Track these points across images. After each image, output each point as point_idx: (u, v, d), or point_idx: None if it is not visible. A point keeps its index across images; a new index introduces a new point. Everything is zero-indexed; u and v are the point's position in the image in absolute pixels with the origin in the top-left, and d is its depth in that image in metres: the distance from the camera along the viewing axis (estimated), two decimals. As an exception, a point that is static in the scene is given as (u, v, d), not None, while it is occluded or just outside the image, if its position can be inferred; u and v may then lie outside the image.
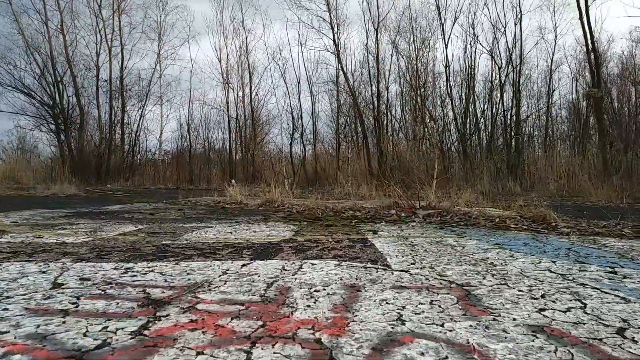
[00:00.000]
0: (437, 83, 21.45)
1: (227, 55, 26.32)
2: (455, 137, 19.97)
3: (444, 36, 19.98)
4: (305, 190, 19.67)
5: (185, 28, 35.47)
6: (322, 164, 23.45)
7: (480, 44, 19.94)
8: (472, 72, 19.69)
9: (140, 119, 25.63)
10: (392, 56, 21.48)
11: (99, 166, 23.97)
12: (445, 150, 19.75)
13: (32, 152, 24.64)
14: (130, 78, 25.56)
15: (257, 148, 26.03)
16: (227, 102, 26.14)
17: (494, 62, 18.92)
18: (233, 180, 25.72)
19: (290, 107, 23.99)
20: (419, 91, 20.40)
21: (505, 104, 18.44)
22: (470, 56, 19.80)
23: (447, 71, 19.85)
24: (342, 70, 21.22)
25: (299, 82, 23.45)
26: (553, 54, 18.81)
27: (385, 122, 21.44)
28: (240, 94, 26.18)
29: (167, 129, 39.14)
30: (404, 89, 22.02)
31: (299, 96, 23.57)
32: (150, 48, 27.58)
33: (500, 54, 17.95)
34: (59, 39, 23.38)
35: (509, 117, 18.13)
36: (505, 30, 17.79)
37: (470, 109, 19.88)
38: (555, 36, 18.41)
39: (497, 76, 18.71)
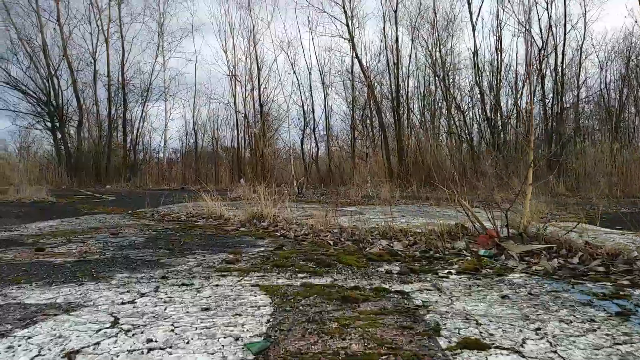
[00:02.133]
0: (462, 72, 18.55)
1: (234, 47, 23.71)
2: (485, 130, 17.08)
3: (472, 17, 17.09)
4: (317, 191, 17.01)
5: (189, 18, 32.87)
6: (336, 161, 20.72)
7: (515, 23, 16.99)
8: (501, 58, 16.78)
9: (142, 115, 23.14)
10: (412, 41, 18.63)
11: (98, 166, 21.56)
12: (475, 146, 16.88)
13: (25, 151, 22.29)
14: (131, 72, 23.12)
15: (267, 145, 23.39)
16: (235, 97, 23.54)
17: (530, 44, 15.98)
18: (242, 180, 23.10)
19: (302, 100, 21.32)
20: (444, 79, 17.53)
21: (544, 92, 15.54)
22: (500, 39, 16.87)
23: (476, 57, 16.96)
24: (357, 57, 18.45)
25: (310, 73, 20.79)
26: (583, 41, 15.78)
27: (405, 114, 18.63)
28: (249, 87, 23.55)
29: (172, 126, 36.65)
30: (426, 78, 19.15)
31: (311, 88, 20.91)
32: (152, 40, 25.11)
33: (541, 32, 15.05)
34: (54, 31, 21.00)
35: (549, 106, 15.25)
36: (548, 6, 14.85)
37: (502, 99, 16.98)
38: (585, 22, 15.36)
39: (535, 61, 15.80)
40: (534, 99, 15.99)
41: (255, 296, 2.20)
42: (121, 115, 22.57)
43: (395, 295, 2.24)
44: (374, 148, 19.62)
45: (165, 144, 24.31)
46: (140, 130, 23.22)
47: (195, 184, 23.69)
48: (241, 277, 2.61)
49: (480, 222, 3.56)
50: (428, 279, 2.64)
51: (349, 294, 2.17)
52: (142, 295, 2.22)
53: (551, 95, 15.06)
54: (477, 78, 17.15)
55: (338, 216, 5.59)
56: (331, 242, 3.77)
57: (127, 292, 2.28)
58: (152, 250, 3.52)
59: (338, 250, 3.49)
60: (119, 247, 3.66)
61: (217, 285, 2.43)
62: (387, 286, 2.42)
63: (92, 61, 21.72)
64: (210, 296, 2.20)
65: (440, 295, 2.25)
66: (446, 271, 2.82)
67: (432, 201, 10.98)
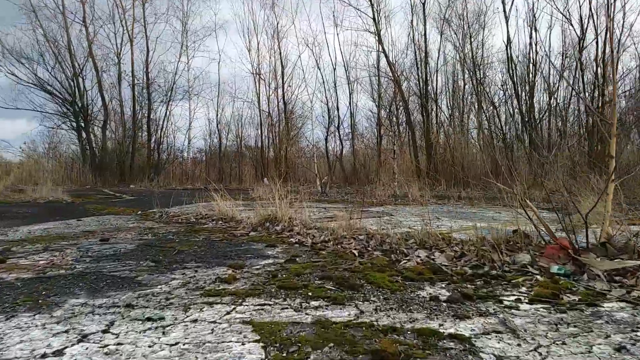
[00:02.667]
0: (494, 65, 17.49)
1: (258, 45, 23.14)
2: (520, 125, 15.99)
3: (504, 6, 16.02)
4: (341, 190, 16.25)
5: (212, 17, 32.43)
6: (361, 160, 19.90)
7: (553, 11, 15.83)
8: (535, 48, 15.68)
9: (166, 115, 22.78)
10: (441, 35, 17.67)
11: (122, 165, 21.28)
12: (508, 142, 15.82)
13: (52, 151, 22.17)
14: (155, 71, 22.78)
15: (290, 144, 22.74)
16: (259, 95, 22.95)
17: (570, 32, 14.84)
18: (265, 179, 22.54)
19: (326, 97, 20.56)
20: (475, 72, 16.52)
21: (584, 83, 14.37)
22: (534, 29, 15.77)
23: (509, 49, 15.90)
24: (384, 52, 17.58)
25: (334, 69, 19.99)
26: (621, 34, 14.48)
27: (434, 111, 17.68)
28: (273, 85, 22.94)
29: (195, 125, 36.35)
30: (455, 73, 18.15)
31: (335, 85, 20.11)
32: (176, 39, 24.77)
33: (581, 20, 13.89)
34: (79, 32, 20.81)
35: (589, 98, 14.08)
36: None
37: (538, 91, 15.88)
38: (624, 14, 14.05)
39: (575, 50, 14.65)
40: (582, 92, 14.86)
41: (243, 344, 1.47)
42: (145, 114, 22.26)
43: (451, 344, 1.48)
44: (401, 146, 18.74)
45: (189, 144, 23.92)
46: (164, 129, 22.86)
47: (219, 183, 23.27)
48: (233, 307, 1.89)
49: (548, 228, 2.75)
50: (491, 310, 1.87)
51: (383, 344, 1.42)
52: (82, 338, 1.52)
53: (591, 87, 13.90)
54: (510, 71, 16.09)
55: (364, 218, 4.83)
56: (356, 253, 3.02)
57: (65, 331, 1.58)
58: (136, 262, 2.83)
59: (365, 263, 2.74)
60: (98, 258, 2.99)
61: (195, 320, 1.72)
62: (435, 325, 1.66)
63: (117, 61, 21.47)
64: (177, 342, 1.48)
65: (519, 344, 1.48)
66: (513, 297, 2.04)
67: (465, 201, 10.11)
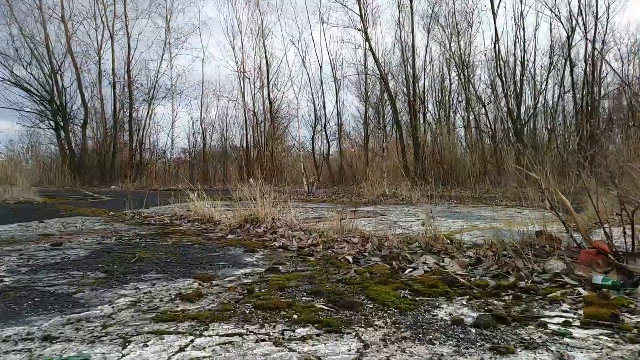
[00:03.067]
0: (482, 64, 17.17)
1: (242, 43, 22.57)
2: (508, 123, 15.66)
3: (492, 4, 15.70)
4: (328, 190, 15.75)
5: (196, 14, 31.78)
6: (348, 159, 19.45)
7: (541, 8, 15.50)
8: (523, 46, 15.38)
9: (148, 113, 22.07)
10: (428, 32, 17.29)
11: (103, 165, 20.51)
12: (498, 141, 15.48)
13: (31, 151, 21.32)
14: (137, 69, 22.06)
15: (277, 143, 22.21)
16: (244, 94, 22.38)
17: (558, 29, 14.57)
18: (251, 180, 22.01)
19: (312, 95, 20.05)
20: (463, 70, 16.16)
21: (573, 83, 14.07)
22: (522, 28, 15.47)
23: (497, 47, 15.57)
24: (371, 49, 17.14)
25: (321, 67, 19.48)
26: (605, 34, 14.16)
27: (422, 110, 17.28)
28: (258, 84, 22.38)
29: (179, 124, 35.55)
30: (443, 70, 17.80)
31: (322, 83, 19.60)
32: (159, 37, 24.07)
33: (571, 18, 13.57)
34: (57, 27, 20.02)
35: (579, 97, 13.78)
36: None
37: (526, 89, 15.57)
38: (608, 15, 13.74)
39: (564, 47, 14.36)
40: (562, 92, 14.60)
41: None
42: (127, 113, 21.53)
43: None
44: (388, 144, 18.32)
45: (172, 143, 23.24)
46: (146, 129, 22.15)
47: (203, 183, 22.62)
48: (190, 338, 1.38)
49: (583, 228, 2.27)
50: (537, 338, 1.39)
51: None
52: None
53: (580, 86, 13.60)
54: (499, 69, 15.77)
55: (355, 218, 4.35)
56: (350, 259, 2.53)
57: None
58: (82, 273, 2.30)
59: (362, 272, 2.24)
60: (37, 268, 2.45)
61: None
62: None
63: (97, 58, 20.71)
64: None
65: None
66: (559, 319, 1.56)
67: (456, 200, 9.70)
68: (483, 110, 15.88)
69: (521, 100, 15.55)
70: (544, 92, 15.75)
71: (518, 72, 15.64)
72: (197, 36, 32.61)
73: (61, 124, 19.95)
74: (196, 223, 4.64)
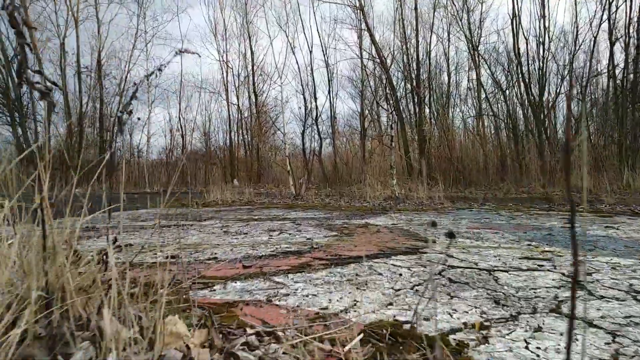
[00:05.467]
0: (498, 43, 14.72)
1: (225, 29, 20.00)
2: (528, 111, 13.20)
3: (509, -26, 13.24)
4: (320, 191, 13.23)
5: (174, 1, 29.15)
6: (342, 156, 16.93)
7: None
8: (544, 22, 12.95)
9: (119, 107, 19.34)
10: (434, 9, 14.80)
11: (66, 166, 17.82)
12: (519, 133, 13.00)
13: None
14: (108, 60, 19.42)
15: (263, 140, 19.64)
16: (226, 86, 19.81)
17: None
18: (235, 181, 19.36)
19: (302, 85, 17.50)
20: (474, 50, 13.69)
21: (613, 62, 11.67)
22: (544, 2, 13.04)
23: (515, 22, 13.13)
24: (368, 29, 14.62)
25: (311, 52, 16.94)
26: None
27: (428, 99, 14.78)
28: (243, 74, 19.82)
29: (156, 120, 32.74)
30: (447, 54, 15.31)
31: (312, 70, 17.05)
32: (132, 24, 21.44)
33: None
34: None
35: (619, 77, 11.40)
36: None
37: (551, 70, 13.13)
38: None
39: (594, 22, 11.97)
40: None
41: None
42: (96, 108, 18.89)
43: None
44: (394, 134, 15.84)
45: (148, 142, 20.60)
46: (117, 125, 19.44)
47: (182, 185, 19.98)
48: None
49: None
50: None
51: None
52: None
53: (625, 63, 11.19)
54: (516, 49, 13.31)
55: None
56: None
57: None
58: None
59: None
60: None
61: None
62: None
63: (61, 44, 18.03)
64: None
65: None
66: None
67: (493, 203, 7.21)
68: (501, 97, 13.42)
69: (544, 83, 13.08)
70: (569, 75, 13.29)
71: (541, 51, 13.17)
72: (175, 23, 29.62)
73: (18, 119, 17.26)
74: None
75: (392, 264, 2.01)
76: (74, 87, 18.31)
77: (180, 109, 20.45)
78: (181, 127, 20.60)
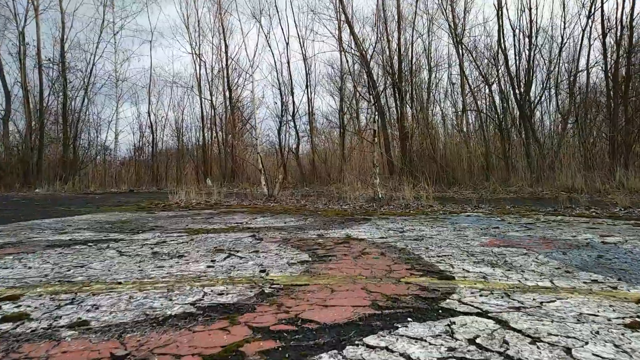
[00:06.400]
0: (480, 36, 13.94)
1: (198, 21, 18.81)
2: (514, 107, 12.45)
3: (494, -37, 12.45)
4: (297, 191, 12.25)
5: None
6: (321, 154, 15.98)
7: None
8: (530, 14, 12.22)
9: (84, 103, 18.05)
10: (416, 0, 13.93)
11: (26, 165, 16.42)
12: (503, 129, 12.21)
13: None
14: (72, 52, 18.06)
15: (237, 137, 18.53)
16: (199, 80, 18.62)
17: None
18: (208, 180, 18.20)
19: (278, 80, 16.45)
20: (458, 42, 12.86)
21: (605, 53, 10.97)
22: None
23: (500, 12, 12.36)
24: (347, 20, 13.69)
25: (287, 44, 15.90)
26: None
27: (409, 93, 13.88)
28: (216, 67, 18.67)
29: (124, 116, 31.11)
30: (430, 48, 14.46)
31: (289, 64, 16.01)
32: (98, 14, 20.06)
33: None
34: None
35: (611, 72, 10.70)
36: None
37: (537, 64, 12.38)
38: None
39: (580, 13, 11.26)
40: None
41: None
42: (58, 102, 17.49)
43: None
44: (377, 128, 14.99)
45: (115, 139, 19.22)
46: (81, 121, 18.08)
47: (152, 185, 18.73)
48: None
49: None
50: None
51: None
52: None
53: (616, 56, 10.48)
54: (501, 42, 12.54)
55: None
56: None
57: None
58: None
59: None
60: None
61: None
62: None
63: (20, 35, 16.59)
64: None
65: None
66: None
67: (489, 205, 6.32)
68: (487, 90, 12.63)
69: (530, 77, 12.33)
70: (555, 68, 12.58)
71: (526, 43, 12.42)
72: (145, 15, 27.87)
73: (-29, 115, 15.78)
74: None
75: (402, 350, 1.05)
76: (33, 81, 16.87)
77: (149, 104, 19.16)
78: (151, 124, 19.33)
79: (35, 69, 17.06)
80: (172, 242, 2.99)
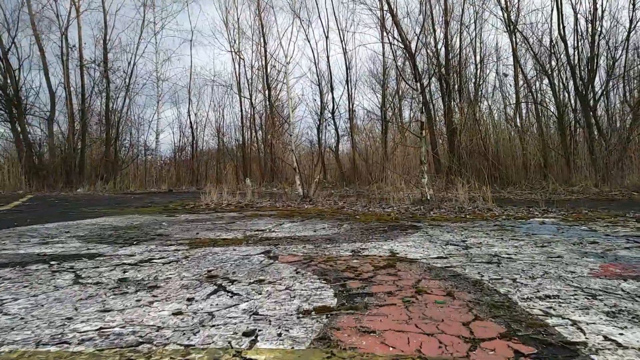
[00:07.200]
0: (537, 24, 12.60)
1: (238, 19, 18.36)
2: (575, 99, 11.11)
3: (553, -59, 11.16)
4: (335, 191, 11.44)
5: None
6: (362, 152, 15.10)
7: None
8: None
9: (125, 103, 17.97)
10: (464, -14, 12.78)
11: (68, 165, 16.44)
12: (567, 123, 10.91)
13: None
14: (113, 53, 18.05)
15: (277, 136, 17.93)
16: (238, 78, 18.16)
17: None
18: (248, 180, 17.71)
19: (317, 76, 15.69)
20: (513, 30, 11.65)
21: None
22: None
23: (558, 1, 11.06)
24: (390, 11, 12.75)
25: (327, 38, 15.11)
26: None
27: (458, 85, 12.76)
28: (256, 65, 18.16)
29: (164, 116, 31.18)
30: (482, 36, 13.26)
31: (328, 59, 15.23)
32: (139, 14, 20.01)
33: None
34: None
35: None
36: None
37: (602, 51, 11.00)
38: None
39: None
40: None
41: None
42: (101, 103, 17.48)
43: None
44: (403, 134, 13.97)
45: (156, 139, 19.08)
46: (123, 121, 18.00)
47: (192, 185, 18.43)
48: None
49: None
50: None
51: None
52: None
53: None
54: (560, 27, 11.24)
55: None
56: None
57: None
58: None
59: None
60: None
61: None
62: None
63: (62, 36, 16.66)
64: None
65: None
66: None
67: (567, 208, 5.25)
68: (545, 81, 11.36)
69: (594, 65, 10.97)
70: (626, 51, 11.14)
71: (589, 28, 11.06)
72: (185, 14, 27.69)
73: (16, 115, 15.93)
74: None
75: None
76: (75, 82, 16.90)
77: (190, 103, 18.88)
78: (192, 123, 19.05)
79: (77, 68, 17.09)
80: (159, 260, 2.25)
